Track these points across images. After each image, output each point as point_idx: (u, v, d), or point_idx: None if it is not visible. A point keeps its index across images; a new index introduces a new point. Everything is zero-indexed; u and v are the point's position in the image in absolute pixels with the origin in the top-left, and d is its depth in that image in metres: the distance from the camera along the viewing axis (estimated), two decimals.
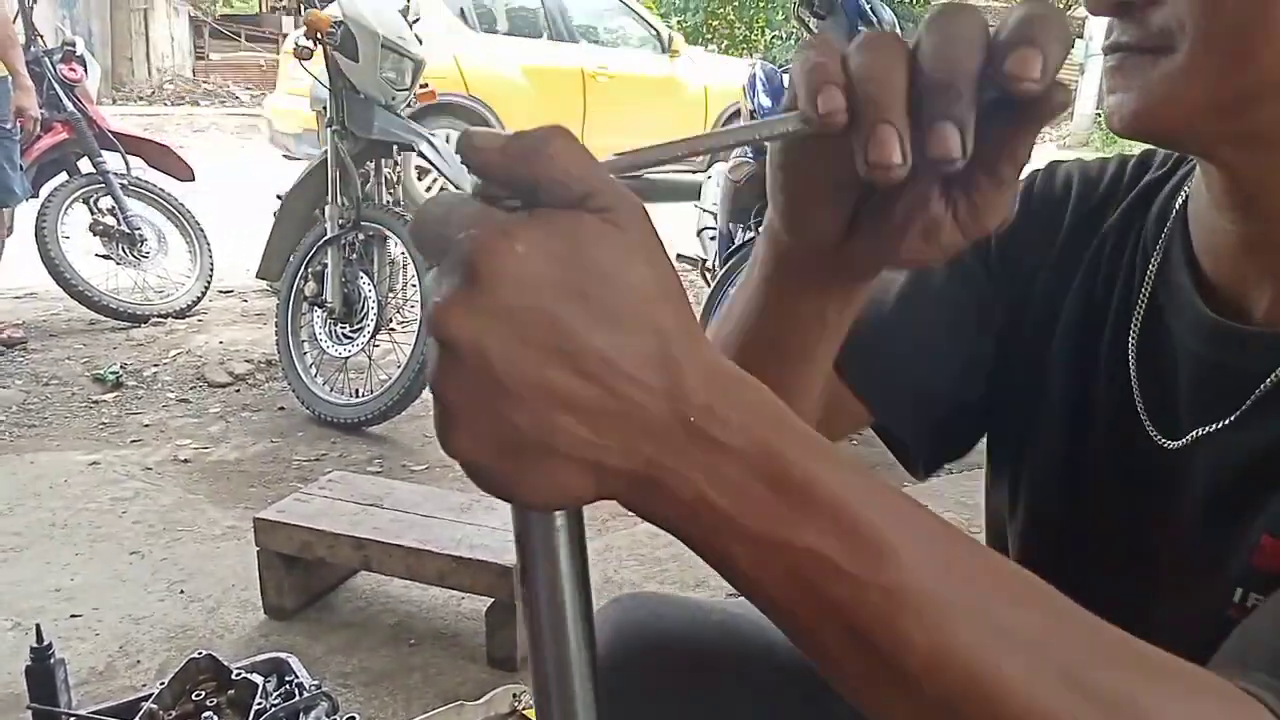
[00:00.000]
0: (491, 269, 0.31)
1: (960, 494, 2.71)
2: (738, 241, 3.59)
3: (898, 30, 3.33)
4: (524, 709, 1.75)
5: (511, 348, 0.32)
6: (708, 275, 4.34)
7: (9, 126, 3.77)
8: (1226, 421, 0.60)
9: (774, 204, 0.51)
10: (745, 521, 0.34)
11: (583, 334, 0.32)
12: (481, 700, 1.72)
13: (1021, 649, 0.36)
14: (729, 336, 0.59)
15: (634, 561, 2.33)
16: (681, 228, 5.28)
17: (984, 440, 0.81)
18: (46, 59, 4.19)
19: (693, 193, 4.72)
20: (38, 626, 1.65)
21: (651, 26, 8.15)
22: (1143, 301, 0.66)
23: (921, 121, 0.40)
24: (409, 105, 3.64)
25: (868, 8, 3.30)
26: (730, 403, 0.34)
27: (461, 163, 0.35)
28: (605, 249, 0.33)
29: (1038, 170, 0.76)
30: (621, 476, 0.34)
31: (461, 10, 7.19)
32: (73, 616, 2.06)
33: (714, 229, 4.14)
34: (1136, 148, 0.68)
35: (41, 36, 4.25)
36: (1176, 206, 0.66)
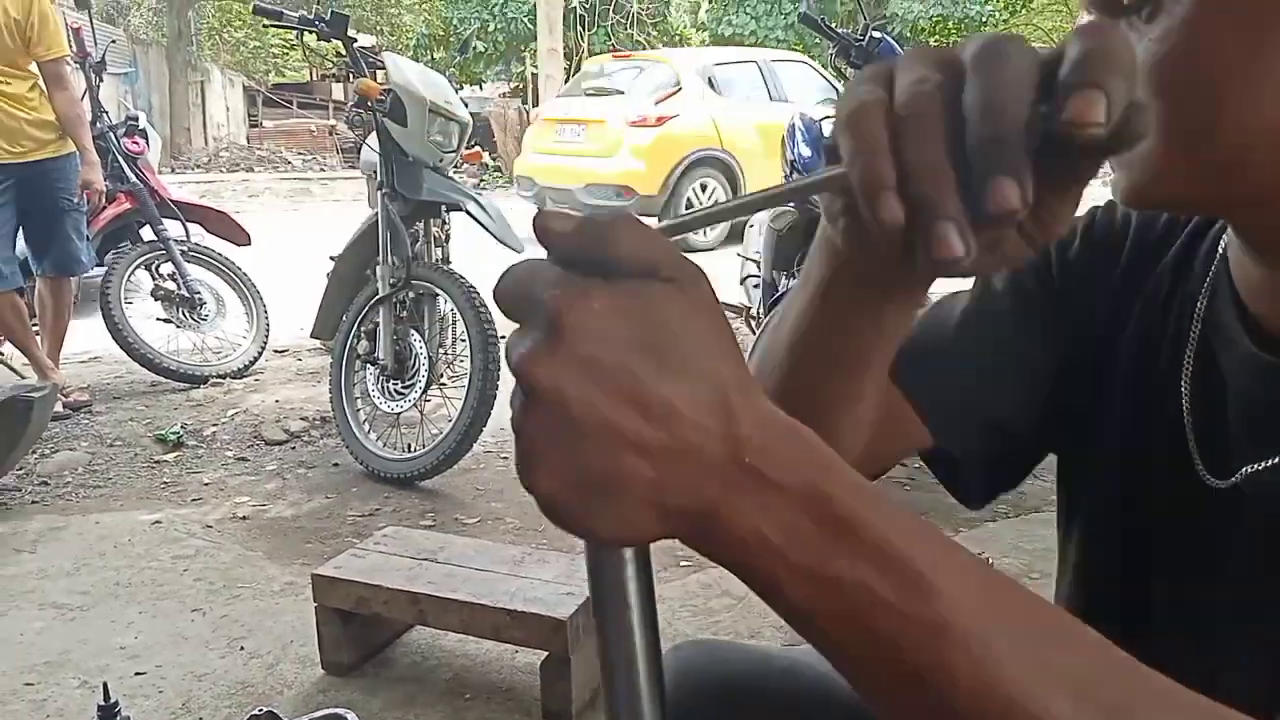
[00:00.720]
0: (572, 323, 0.35)
1: (1018, 538, 2.66)
2: (781, 289, 3.61)
3: None
4: None
5: (587, 393, 0.35)
6: (752, 323, 4.35)
7: (76, 200, 3.94)
8: (1270, 463, 0.60)
9: (833, 223, 0.51)
10: (796, 557, 0.36)
11: (651, 383, 0.35)
12: None
13: (1068, 689, 0.36)
14: (782, 347, 0.60)
15: (687, 613, 2.32)
16: (725, 276, 5.31)
17: (1041, 480, 0.80)
18: (111, 134, 4.38)
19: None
20: (104, 685, 1.68)
21: (835, 87, 8.69)
22: (1194, 341, 0.66)
23: (975, 175, 0.38)
24: (456, 166, 3.73)
25: None
26: (782, 446, 0.37)
27: (539, 242, 0.38)
28: (671, 309, 0.36)
29: (1098, 206, 0.76)
30: (683, 515, 0.36)
31: (710, 79, 8.91)
32: (137, 674, 2.10)
33: (758, 277, 4.16)
34: None
35: (106, 113, 4.44)
36: (1222, 246, 0.66)
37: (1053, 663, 0.37)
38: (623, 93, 9.04)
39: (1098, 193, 0.58)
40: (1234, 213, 0.59)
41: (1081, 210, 0.60)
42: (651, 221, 0.40)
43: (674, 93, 8.70)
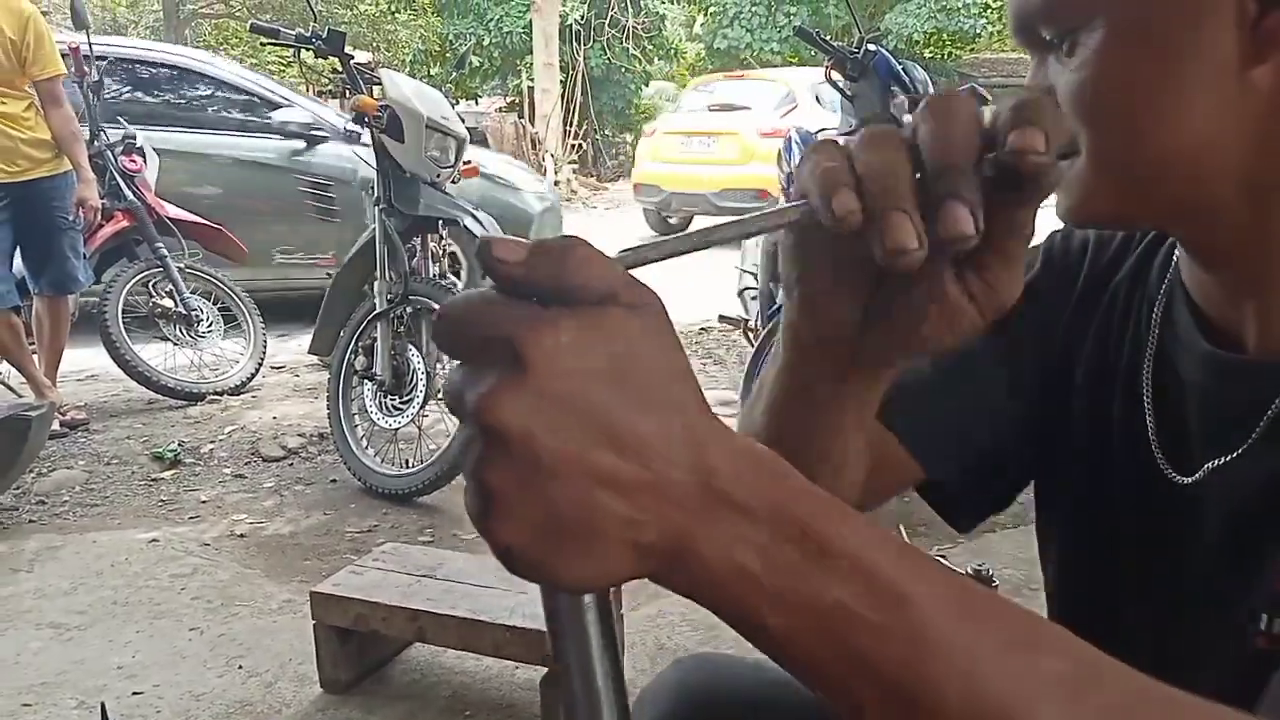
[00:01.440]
0: (540, 358, 0.34)
1: (1016, 549, 2.66)
2: (779, 301, 3.61)
3: (930, 88, 3.37)
4: None
5: (558, 429, 0.34)
6: (750, 335, 4.35)
7: (73, 218, 3.94)
8: (1237, 453, 0.62)
9: (789, 298, 0.53)
10: (771, 581, 0.36)
11: (622, 416, 0.34)
12: None
13: (1055, 695, 0.36)
14: (761, 415, 0.61)
15: (687, 627, 2.31)
16: (723, 288, 5.31)
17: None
18: (109, 152, 4.39)
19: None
20: (102, 705, 1.68)
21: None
22: (1152, 344, 0.69)
23: (930, 204, 0.42)
24: (453, 181, 3.74)
25: (900, 69, 3.34)
26: (751, 472, 0.36)
27: (487, 271, 0.36)
28: (636, 338, 0.35)
29: (1056, 231, 0.80)
30: (656, 551, 0.35)
31: (817, 96, 9.19)
32: (135, 694, 2.08)
33: (755, 289, 4.16)
34: None
35: (104, 131, 4.45)
36: (1177, 253, 0.69)
37: (1039, 668, 0.37)
38: (749, 108, 9.76)
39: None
40: (1166, 225, 0.63)
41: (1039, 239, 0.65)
42: (612, 252, 0.39)
43: (793, 108, 9.35)
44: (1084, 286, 0.75)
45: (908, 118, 3.30)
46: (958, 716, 0.35)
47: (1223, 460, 0.63)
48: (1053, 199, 0.62)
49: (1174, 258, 0.69)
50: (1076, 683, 0.37)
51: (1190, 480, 0.65)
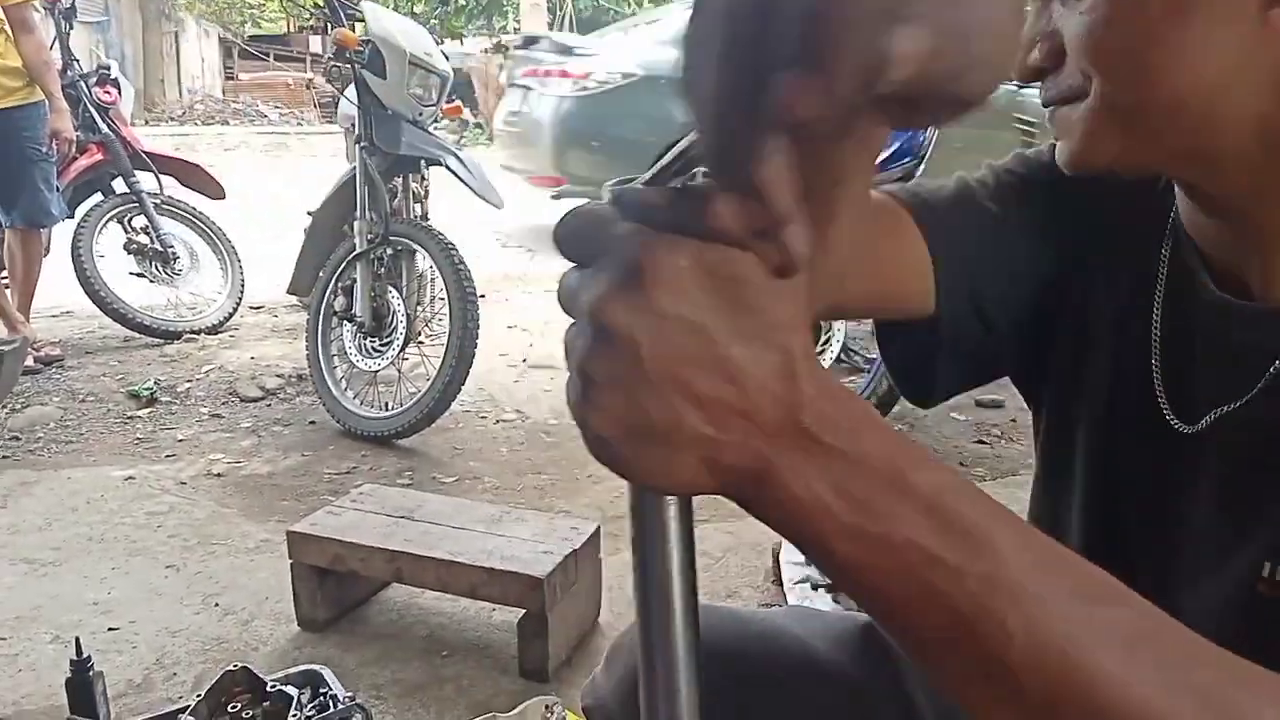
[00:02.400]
0: (658, 274, 0.36)
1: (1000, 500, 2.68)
2: None
3: None
4: None
5: (660, 344, 0.36)
6: None
7: (45, 150, 3.85)
8: (1243, 400, 0.61)
9: None
10: (847, 516, 0.37)
11: (723, 344, 0.36)
12: (514, 711, 1.72)
13: (1117, 643, 0.37)
14: None
15: None
16: None
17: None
18: (82, 82, 4.28)
19: None
20: (77, 640, 1.67)
21: None
22: (1160, 286, 0.68)
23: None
24: (436, 121, 3.67)
25: None
26: (837, 411, 0.38)
27: (624, 213, 0.38)
28: (753, 279, 0.37)
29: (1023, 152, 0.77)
30: (735, 472, 0.37)
31: None
32: (110, 630, 2.08)
33: None
34: None
35: (77, 61, 4.34)
36: (1179, 195, 0.68)
37: (1101, 618, 0.38)
38: None
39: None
40: (1175, 170, 0.62)
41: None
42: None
43: None
44: (1087, 214, 0.73)
45: None
46: (1020, 656, 0.36)
47: (1229, 408, 0.62)
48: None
49: (1173, 199, 0.68)
50: (1136, 635, 0.38)
51: (1193, 429, 0.64)
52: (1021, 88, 0.63)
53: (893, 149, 3.18)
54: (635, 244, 0.36)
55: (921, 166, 3.30)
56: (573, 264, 0.40)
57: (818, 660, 0.75)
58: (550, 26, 15.61)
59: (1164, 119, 0.56)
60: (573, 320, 0.39)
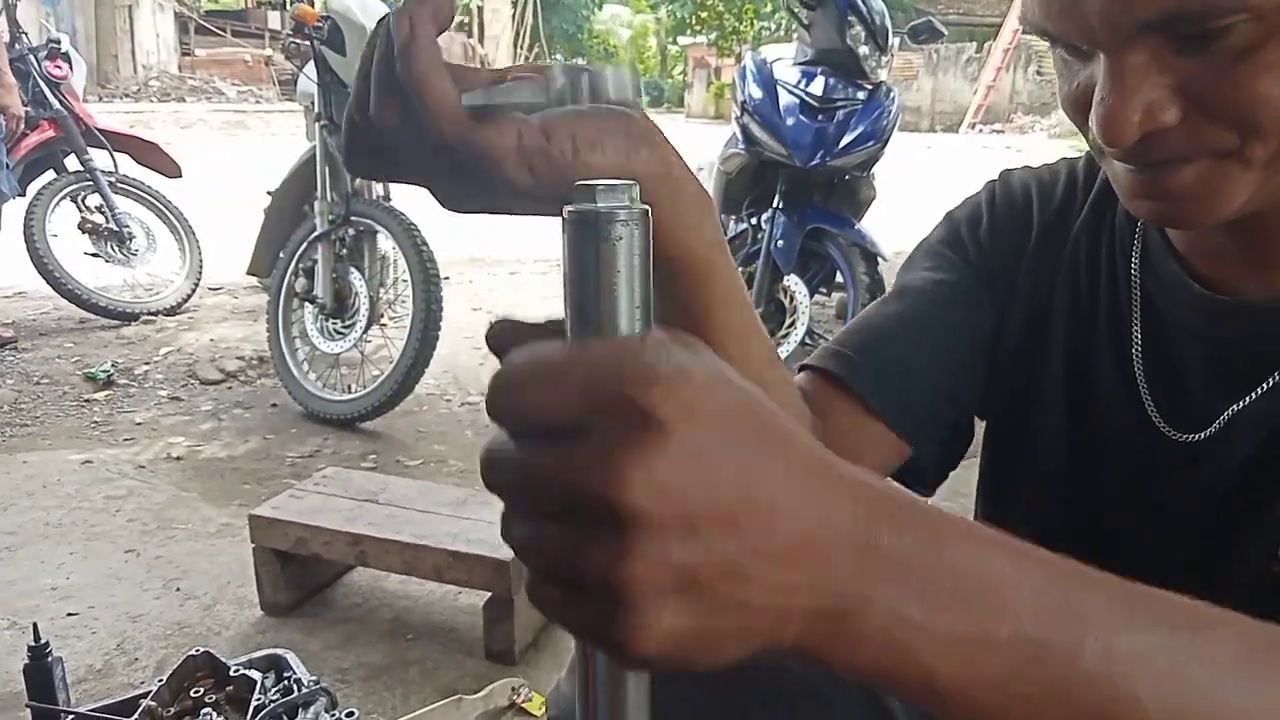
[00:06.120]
0: (679, 411, 0.28)
1: (954, 484, 2.72)
2: (730, 233, 3.60)
3: (887, 20, 3.33)
4: (522, 702, 1.75)
5: (713, 495, 0.29)
6: None
7: None
8: (1253, 397, 0.61)
9: None
10: (941, 629, 0.33)
11: (771, 468, 0.30)
12: (480, 694, 1.73)
13: (1229, 668, 0.36)
14: None
15: None
16: None
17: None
18: (31, 56, 4.17)
19: None
20: (34, 625, 1.64)
21: None
22: (1136, 295, 0.67)
23: None
24: None
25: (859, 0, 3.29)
26: (903, 518, 0.33)
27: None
28: (735, 380, 0.31)
29: (994, 180, 0.79)
30: (809, 616, 0.32)
31: None
32: (69, 615, 2.05)
33: None
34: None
35: (26, 34, 4.23)
36: None
37: (1208, 646, 0.37)
38: None
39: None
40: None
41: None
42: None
43: None
44: (1040, 231, 0.74)
45: (864, 49, 3.27)
46: (1157, 716, 0.35)
47: (1240, 406, 0.62)
48: (1139, 206, 0.57)
49: (1110, 206, 0.68)
50: (1242, 649, 0.37)
51: (1198, 434, 0.64)
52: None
53: (857, 132, 3.19)
54: (621, 384, 0.28)
55: (885, 149, 3.33)
56: (526, 436, 0.31)
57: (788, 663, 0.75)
58: (514, 6, 15.47)
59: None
60: (536, 509, 0.31)
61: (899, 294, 0.76)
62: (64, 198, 4.22)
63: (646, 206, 0.32)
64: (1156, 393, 0.66)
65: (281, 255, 3.41)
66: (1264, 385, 0.61)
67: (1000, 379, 0.75)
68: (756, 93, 3.43)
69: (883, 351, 0.73)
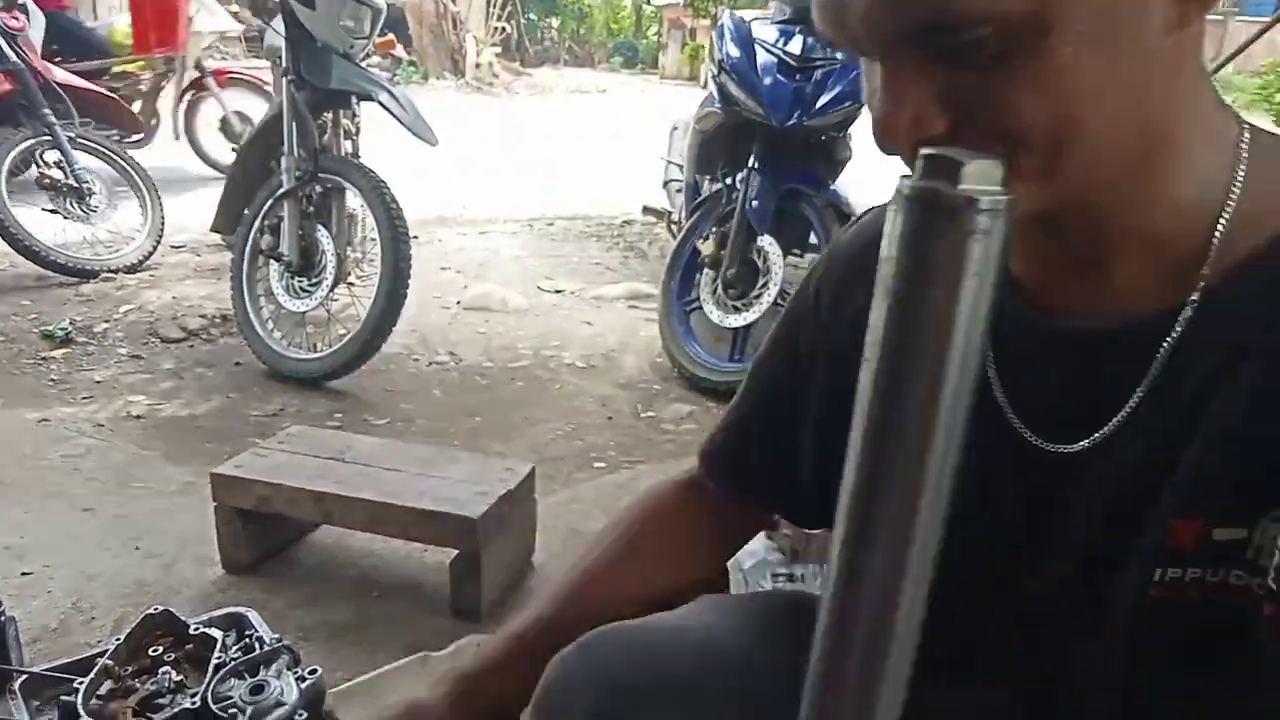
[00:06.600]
0: None
1: None
2: (704, 193, 3.56)
3: None
4: None
5: None
6: (674, 228, 4.30)
7: None
8: (1113, 425, 0.61)
9: None
10: None
11: None
12: (446, 650, 1.70)
13: None
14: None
15: (600, 512, 2.32)
16: (647, 180, 5.23)
17: None
18: None
19: None
20: None
21: None
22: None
23: None
24: (367, 55, 3.54)
25: None
26: None
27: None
28: None
29: (837, 241, 0.82)
30: None
31: None
32: (23, 574, 2.00)
33: (680, 181, 4.10)
34: None
35: None
36: None
37: None
38: None
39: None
40: (1072, 204, 0.58)
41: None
42: None
43: None
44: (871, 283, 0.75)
45: None
46: None
47: (1100, 434, 0.62)
48: None
49: None
50: None
51: (1065, 450, 0.64)
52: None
53: (834, 92, 3.15)
54: None
55: (862, 109, 3.29)
56: None
57: (755, 670, 0.74)
58: None
59: (1082, 165, 0.54)
60: None
61: (748, 379, 0.87)
62: (21, 153, 4.10)
63: (1014, 196, 0.28)
64: (1024, 413, 0.66)
65: (246, 212, 3.33)
66: (1117, 417, 0.61)
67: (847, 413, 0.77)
68: (734, 51, 3.37)
69: (734, 445, 0.88)
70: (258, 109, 6.07)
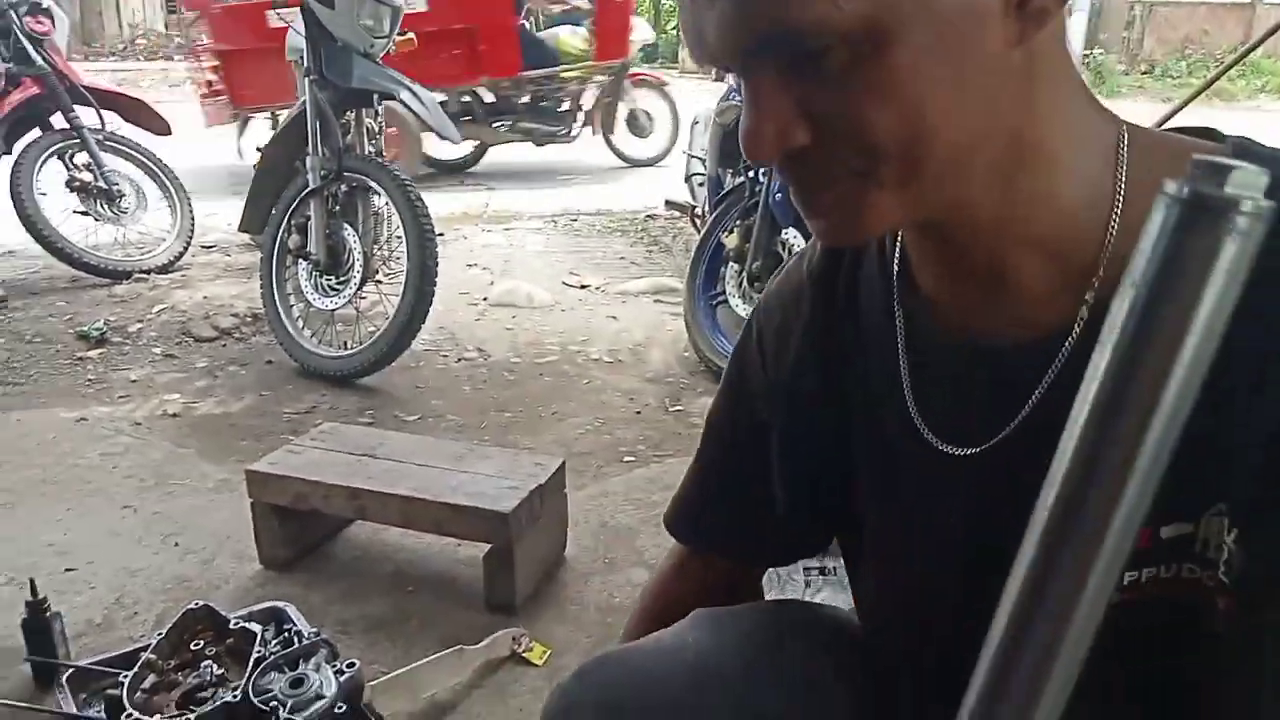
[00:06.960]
0: None
1: None
2: (727, 186, 3.55)
3: None
4: (523, 651, 1.75)
5: None
6: (697, 221, 4.30)
7: None
8: (1005, 433, 0.63)
9: None
10: None
11: None
12: (482, 644, 1.73)
13: None
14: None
15: (630, 506, 2.33)
16: (671, 174, 5.22)
17: None
18: (12, 12, 4.09)
19: None
20: (31, 581, 1.64)
21: None
22: (901, 334, 0.69)
23: None
24: (388, 53, 3.56)
25: None
26: None
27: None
28: None
29: (777, 276, 0.82)
30: None
31: None
32: (67, 570, 2.04)
33: (703, 174, 4.10)
34: None
35: None
36: (899, 244, 0.69)
37: None
38: None
39: None
40: (940, 214, 0.60)
41: None
42: None
43: None
44: (811, 308, 0.75)
45: None
46: None
47: (996, 439, 0.63)
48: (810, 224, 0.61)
49: (895, 249, 0.69)
50: None
51: (967, 450, 0.65)
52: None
53: None
54: None
55: None
56: None
57: (755, 685, 0.76)
58: None
59: (942, 173, 0.55)
60: None
61: (705, 434, 0.88)
62: (51, 155, 4.15)
63: (1275, 205, 0.30)
64: (932, 422, 0.67)
65: (274, 212, 3.37)
66: (1011, 424, 0.62)
67: (832, 453, 0.77)
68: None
69: (694, 507, 0.90)
70: (658, 108, 7.45)
